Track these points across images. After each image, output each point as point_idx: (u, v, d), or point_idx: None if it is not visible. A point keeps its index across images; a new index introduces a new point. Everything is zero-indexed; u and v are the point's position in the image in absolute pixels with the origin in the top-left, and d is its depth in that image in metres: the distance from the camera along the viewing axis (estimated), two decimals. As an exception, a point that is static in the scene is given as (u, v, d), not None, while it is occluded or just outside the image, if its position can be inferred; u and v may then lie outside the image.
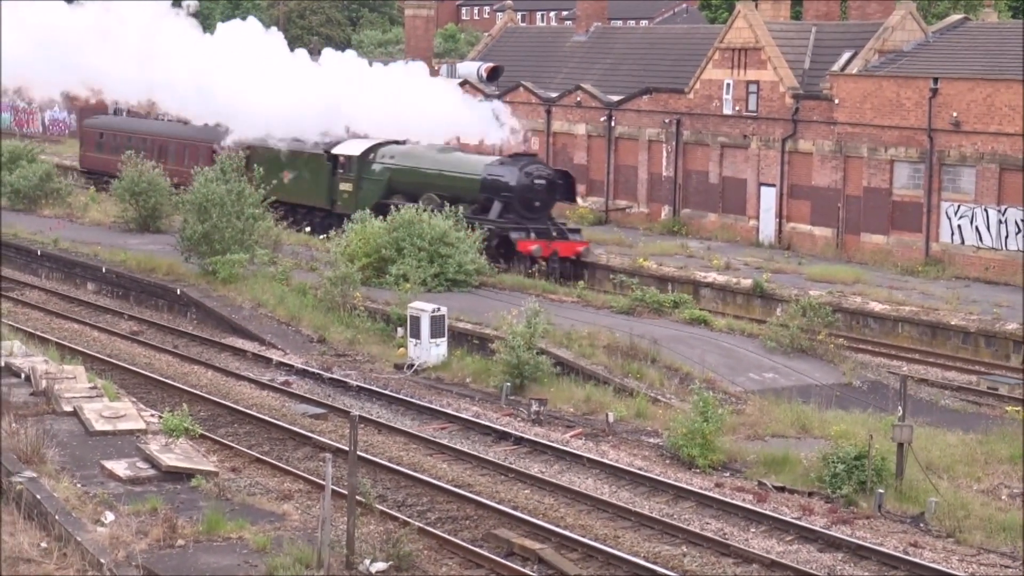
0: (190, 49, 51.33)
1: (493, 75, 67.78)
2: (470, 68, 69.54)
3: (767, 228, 56.06)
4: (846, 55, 55.89)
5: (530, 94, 66.27)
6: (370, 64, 56.74)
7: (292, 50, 56.34)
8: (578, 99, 64.15)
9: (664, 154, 60.41)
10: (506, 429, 31.12)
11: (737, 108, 57.33)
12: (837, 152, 53.62)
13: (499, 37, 75.83)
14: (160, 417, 27.23)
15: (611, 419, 31.41)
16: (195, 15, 57.45)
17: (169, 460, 24.29)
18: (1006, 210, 48.08)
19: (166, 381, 35.10)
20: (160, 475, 23.94)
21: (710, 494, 26.87)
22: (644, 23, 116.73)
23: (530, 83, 66.99)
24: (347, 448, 22.75)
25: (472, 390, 34.93)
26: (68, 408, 27.33)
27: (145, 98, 55.24)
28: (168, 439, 25.62)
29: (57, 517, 21.44)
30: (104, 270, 47.53)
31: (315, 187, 57.49)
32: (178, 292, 43.94)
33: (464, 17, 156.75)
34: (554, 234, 50.47)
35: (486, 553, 23.45)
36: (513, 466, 28.68)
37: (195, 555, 20.56)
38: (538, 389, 33.83)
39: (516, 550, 23.75)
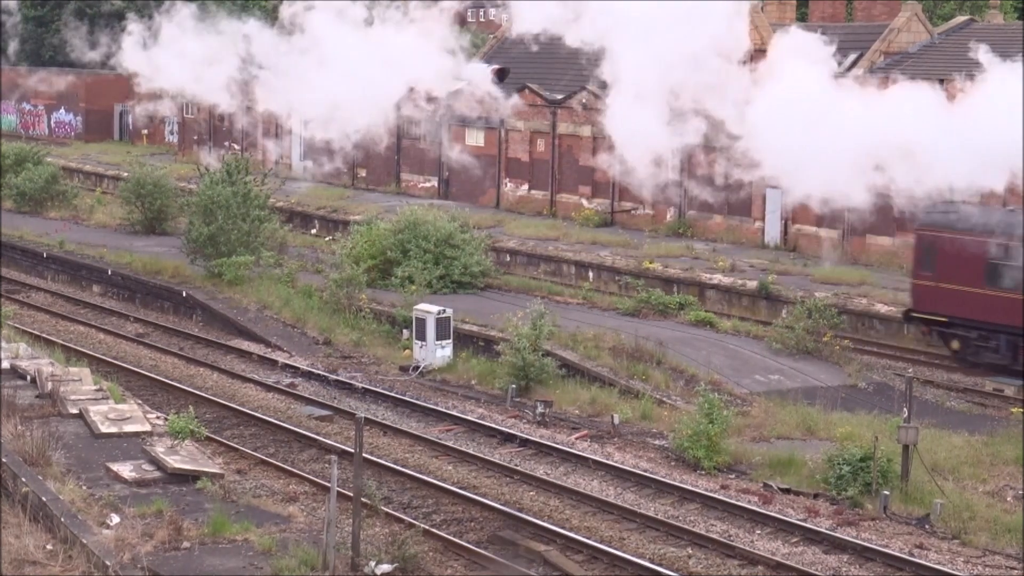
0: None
1: (500, 76, 67.76)
2: (477, 69, 69.50)
3: (773, 230, 56.00)
4: (852, 56, 55.85)
5: (535, 96, 66.25)
6: None
7: None
8: (583, 101, 64.15)
9: (670, 155, 60.26)
10: (511, 431, 31.13)
11: (743, 109, 57.12)
12: (843, 154, 53.39)
13: (505, 39, 75.88)
14: (166, 419, 27.24)
15: (616, 421, 31.40)
16: None
17: (175, 462, 24.30)
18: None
19: (172, 383, 35.12)
20: (166, 477, 23.95)
21: (715, 496, 26.88)
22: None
23: (536, 84, 66.97)
24: (353, 450, 22.75)
25: (478, 392, 34.93)
26: (74, 410, 27.34)
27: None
28: (174, 441, 25.63)
29: (63, 519, 21.45)
30: (110, 272, 47.55)
31: None
32: (184, 294, 43.96)
33: (470, 19, 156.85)
34: None
35: (491, 555, 23.47)
36: (518, 468, 28.69)
37: (200, 557, 20.57)
38: (543, 391, 33.84)
39: (522, 552, 23.76)
